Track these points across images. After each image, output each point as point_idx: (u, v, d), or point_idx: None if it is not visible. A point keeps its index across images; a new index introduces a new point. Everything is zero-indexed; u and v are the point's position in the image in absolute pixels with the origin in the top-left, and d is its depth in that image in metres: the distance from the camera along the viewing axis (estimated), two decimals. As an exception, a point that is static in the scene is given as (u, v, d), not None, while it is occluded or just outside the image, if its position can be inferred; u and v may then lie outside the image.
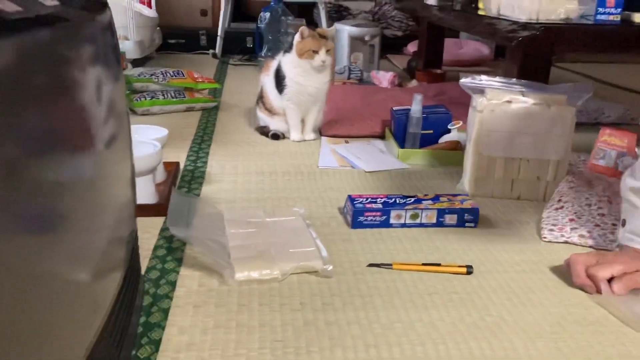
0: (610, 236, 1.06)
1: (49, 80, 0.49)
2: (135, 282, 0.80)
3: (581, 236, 1.07)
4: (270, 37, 2.64)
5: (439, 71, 2.47)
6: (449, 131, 1.55)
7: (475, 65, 3.13)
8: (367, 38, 2.57)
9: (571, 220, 1.11)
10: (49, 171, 0.47)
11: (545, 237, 1.09)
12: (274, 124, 1.67)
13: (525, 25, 1.42)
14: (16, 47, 0.43)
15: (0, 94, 0.39)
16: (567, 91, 1.25)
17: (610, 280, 0.89)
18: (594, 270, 0.90)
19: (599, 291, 0.89)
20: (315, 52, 1.54)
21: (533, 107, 1.23)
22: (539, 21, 1.45)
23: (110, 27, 0.74)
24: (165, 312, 0.82)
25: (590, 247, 1.06)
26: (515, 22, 1.46)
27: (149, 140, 1.18)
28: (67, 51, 0.54)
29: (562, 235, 1.08)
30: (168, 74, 1.90)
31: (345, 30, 2.59)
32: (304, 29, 1.57)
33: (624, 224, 0.96)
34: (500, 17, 1.58)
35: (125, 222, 0.76)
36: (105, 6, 0.73)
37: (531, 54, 1.48)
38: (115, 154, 0.71)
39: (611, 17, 1.47)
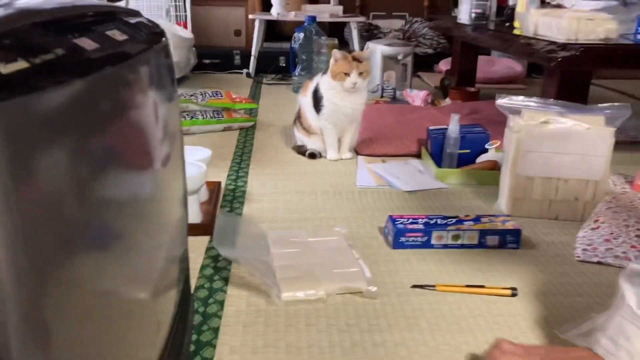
0: (653, 258, 1.05)
1: (116, 107, 0.52)
2: (187, 301, 0.83)
3: (616, 257, 1.06)
4: (304, 57, 2.69)
5: (472, 89, 2.47)
6: (486, 151, 1.55)
7: (508, 83, 3.11)
8: (400, 57, 2.59)
9: (607, 240, 1.10)
10: (114, 191, 0.49)
11: (578, 257, 1.08)
12: (311, 144, 1.70)
13: (564, 46, 1.42)
14: (92, 80, 0.46)
15: (75, 122, 0.42)
16: (606, 112, 1.25)
17: None
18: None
19: None
20: (347, 74, 1.56)
21: (571, 127, 1.23)
22: (578, 41, 1.45)
23: (167, 52, 0.77)
24: (216, 331, 0.84)
25: (631, 269, 1.04)
26: (553, 43, 1.46)
27: (194, 161, 1.22)
28: (132, 79, 0.57)
29: (596, 255, 1.07)
30: (207, 95, 1.94)
31: (378, 50, 2.62)
32: (335, 51, 1.59)
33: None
34: (538, 37, 1.58)
35: (179, 240, 0.79)
36: (163, 35, 0.77)
37: (570, 74, 1.48)
38: (170, 173, 0.74)
39: (651, 37, 1.46)
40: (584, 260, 1.08)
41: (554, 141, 1.23)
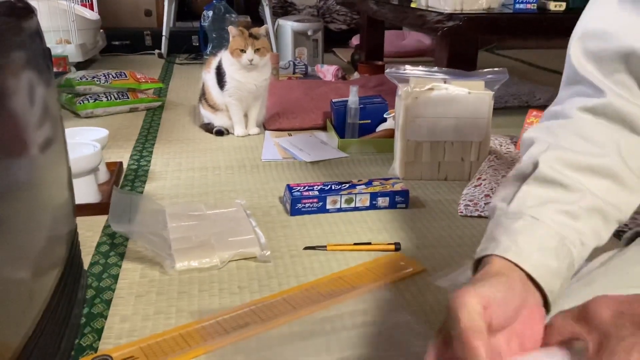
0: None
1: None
2: (76, 277, 0.83)
3: (496, 210, 1.16)
4: (214, 35, 2.67)
5: (380, 63, 2.54)
6: (385, 120, 1.62)
7: (418, 56, 3.22)
8: (310, 33, 2.63)
9: (486, 195, 1.20)
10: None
11: (461, 212, 1.17)
12: (218, 120, 1.71)
13: (450, 16, 1.50)
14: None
15: None
16: (485, 77, 1.34)
17: None
18: None
19: None
20: (243, 51, 1.57)
21: (453, 93, 1.31)
22: (463, 11, 1.54)
23: (38, 33, 0.77)
24: (108, 303, 0.85)
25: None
26: (441, 13, 1.54)
27: (89, 142, 1.21)
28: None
29: (477, 210, 1.16)
30: (110, 76, 1.90)
31: (288, 26, 2.64)
32: (232, 28, 1.61)
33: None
34: (429, 9, 1.66)
35: (63, 221, 0.79)
36: (31, 12, 0.76)
37: (458, 42, 1.56)
38: (51, 157, 0.74)
39: (529, 6, 1.57)
40: (465, 215, 1.17)
41: (439, 106, 1.30)
